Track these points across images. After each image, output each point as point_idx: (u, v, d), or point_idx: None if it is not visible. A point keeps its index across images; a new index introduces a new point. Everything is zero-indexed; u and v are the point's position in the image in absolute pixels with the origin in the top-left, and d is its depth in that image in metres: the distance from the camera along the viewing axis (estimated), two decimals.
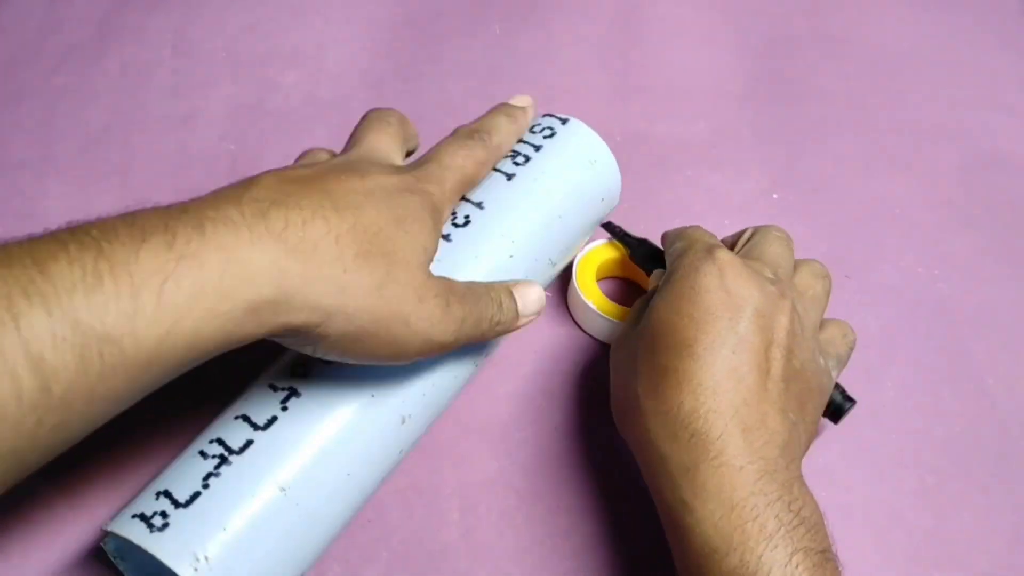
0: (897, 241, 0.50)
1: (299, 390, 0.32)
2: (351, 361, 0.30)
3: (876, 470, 0.41)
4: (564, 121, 0.41)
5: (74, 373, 0.22)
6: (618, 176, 0.41)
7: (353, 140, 0.35)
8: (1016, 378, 0.44)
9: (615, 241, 0.44)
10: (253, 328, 0.26)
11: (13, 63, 0.54)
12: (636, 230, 0.49)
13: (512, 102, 0.40)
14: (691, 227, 0.39)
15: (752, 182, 0.52)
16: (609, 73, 0.57)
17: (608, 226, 0.44)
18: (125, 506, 0.31)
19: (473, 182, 0.36)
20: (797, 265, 0.38)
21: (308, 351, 0.29)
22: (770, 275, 0.35)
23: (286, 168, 0.30)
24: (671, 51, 0.59)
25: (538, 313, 0.35)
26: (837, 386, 0.37)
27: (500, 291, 0.34)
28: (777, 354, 0.33)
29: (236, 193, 0.27)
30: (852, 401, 0.38)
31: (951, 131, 0.56)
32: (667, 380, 0.33)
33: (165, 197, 0.49)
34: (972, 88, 0.58)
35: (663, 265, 0.38)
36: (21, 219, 0.47)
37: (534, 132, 0.40)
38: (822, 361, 0.35)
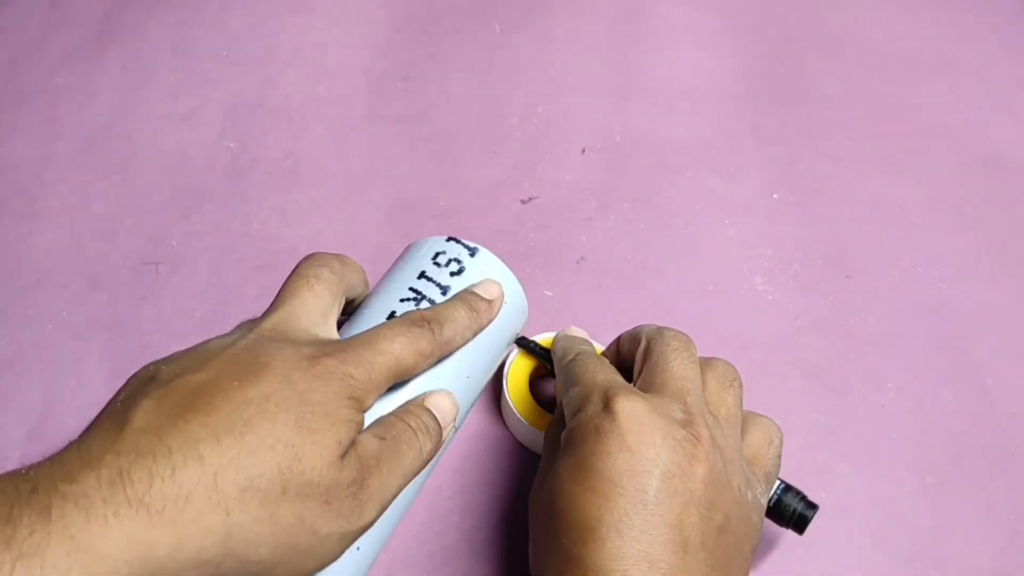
0: (897, 241, 0.50)
1: None
2: None
3: (876, 470, 0.41)
4: (472, 252, 0.37)
5: None
6: (525, 299, 0.38)
7: (278, 299, 0.32)
8: (1016, 378, 0.44)
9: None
10: None
11: (14, 63, 0.54)
12: (636, 230, 0.49)
13: (479, 291, 0.36)
14: (581, 358, 0.35)
15: (752, 182, 0.52)
16: (609, 73, 0.57)
17: (520, 341, 0.40)
18: None
19: (408, 374, 0.32)
20: (703, 375, 0.33)
21: None
22: (679, 412, 0.31)
23: (173, 380, 0.27)
24: (671, 51, 0.59)
25: (454, 420, 0.33)
26: (797, 493, 0.34)
27: (415, 418, 0.31)
28: (695, 517, 0.29)
29: (100, 448, 0.24)
30: (815, 508, 0.34)
31: (951, 131, 0.56)
32: (572, 570, 0.28)
33: (165, 196, 0.49)
34: (972, 88, 0.58)
35: None
36: (21, 219, 0.47)
37: (439, 265, 0.36)
38: (749, 494, 0.31)
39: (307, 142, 0.52)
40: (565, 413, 0.33)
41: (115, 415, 0.26)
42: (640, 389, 0.32)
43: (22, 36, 0.56)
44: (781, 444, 0.34)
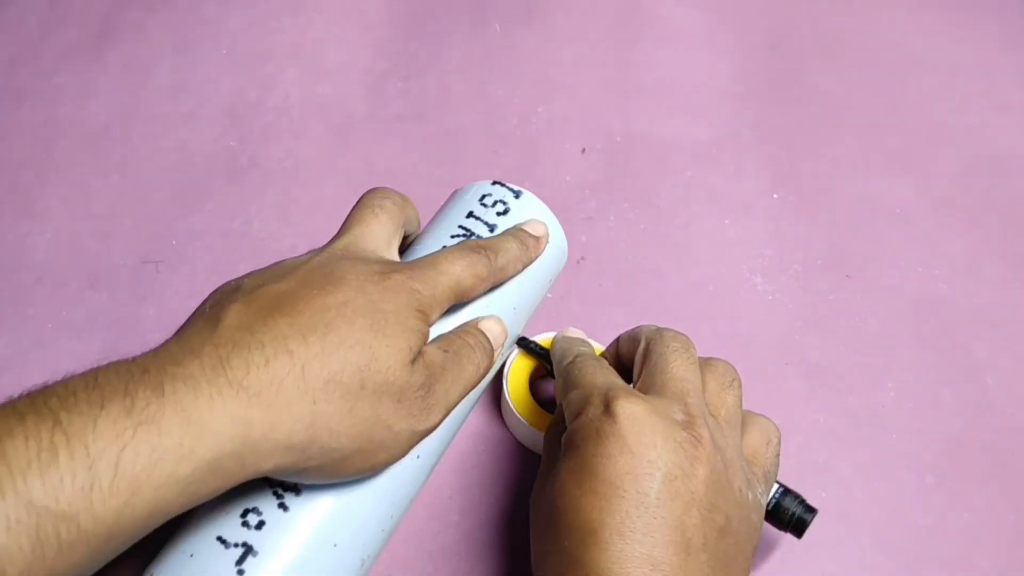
0: (897, 241, 0.50)
1: (255, 547, 0.29)
2: (341, 480, 0.30)
3: (876, 470, 0.41)
4: (517, 194, 0.39)
5: (29, 555, 0.22)
6: (565, 240, 0.40)
7: (345, 226, 0.35)
8: (1016, 378, 0.44)
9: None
10: (219, 483, 0.26)
11: (14, 62, 0.54)
12: (636, 230, 0.49)
13: (527, 228, 0.39)
14: (580, 360, 0.35)
15: (752, 182, 0.52)
16: (609, 73, 0.57)
17: (521, 342, 0.40)
18: None
19: (467, 296, 0.34)
20: (703, 375, 0.33)
21: (294, 480, 0.30)
22: (679, 414, 0.31)
23: (257, 289, 0.30)
24: (671, 51, 0.59)
25: (502, 345, 0.36)
26: (796, 496, 0.34)
27: (473, 337, 0.34)
28: (696, 518, 0.29)
29: (198, 341, 0.27)
30: (813, 511, 0.34)
31: (951, 131, 0.56)
32: (574, 573, 0.28)
33: (165, 195, 0.49)
34: (972, 88, 0.58)
35: None
36: (21, 218, 0.47)
37: (486, 206, 0.39)
38: (750, 495, 0.31)
39: (307, 141, 0.52)
40: (565, 416, 0.33)
41: (207, 317, 0.28)
42: (640, 390, 0.32)
43: (22, 35, 0.56)
44: (779, 443, 0.34)
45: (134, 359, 0.26)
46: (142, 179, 0.49)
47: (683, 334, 0.35)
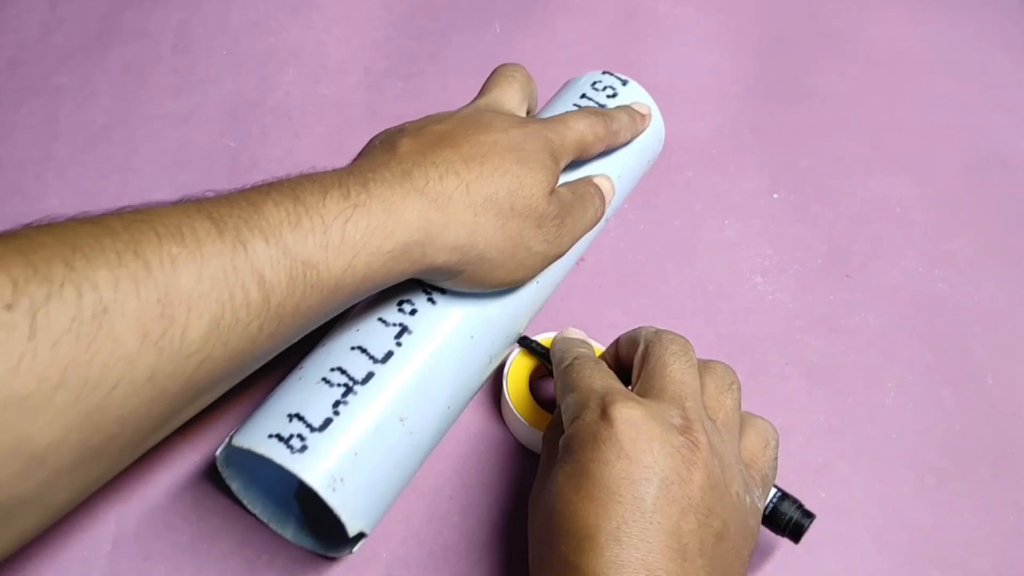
0: (897, 241, 0.50)
1: (409, 327, 0.36)
2: (481, 290, 0.37)
3: (876, 470, 0.41)
4: (624, 82, 0.46)
5: (285, 289, 0.28)
6: (663, 126, 0.47)
7: (483, 90, 0.41)
8: (1016, 378, 0.44)
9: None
10: (406, 266, 0.32)
11: (14, 62, 0.54)
12: (636, 230, 0.49)
13: (635, 107, 0.45)
14: (578, 363, 0.35)
15: (752, 182, 0.52)
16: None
17: (522, 341, 0.41)
18: (248, 423, 0.34)
19: (588, 152, 0.41)
20: (702, 378, 0.34)
21: (447, 284, 0.36)
22: (677, 418, 0.31)
23: (421, 128, 0.36)
24: (671, 51, 0.59)
25: (611, 201, 0.43)
26: (793, 501, 0.34)
27: (592, 187, 0.41)
28: (693, 524, 0.29)
29: (384, 159, 0.34)
30: (811, 516, 0.34)
31: (951, 131, 0.56)
32: None
33: (166, 195, 0.49)
34: (972, 88, 0.58)
35: None
36: (22, 219, 0.47)
37: (596, 90, 0.45)
38: (747, 499, 0.32)
39: (307, 141, 0.52)
40: (563, 419, 0.33)
41: (383, 147, 0.35)
42: (638, 394, 0.32)
43: (23, 35, 0.56)
44: (777, 446, 0.34)
45: (336, 169, 0.33)
46: (143, 179, 0.49)
47: (682, 337, 0.35)
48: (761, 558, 0.38)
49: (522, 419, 0.39)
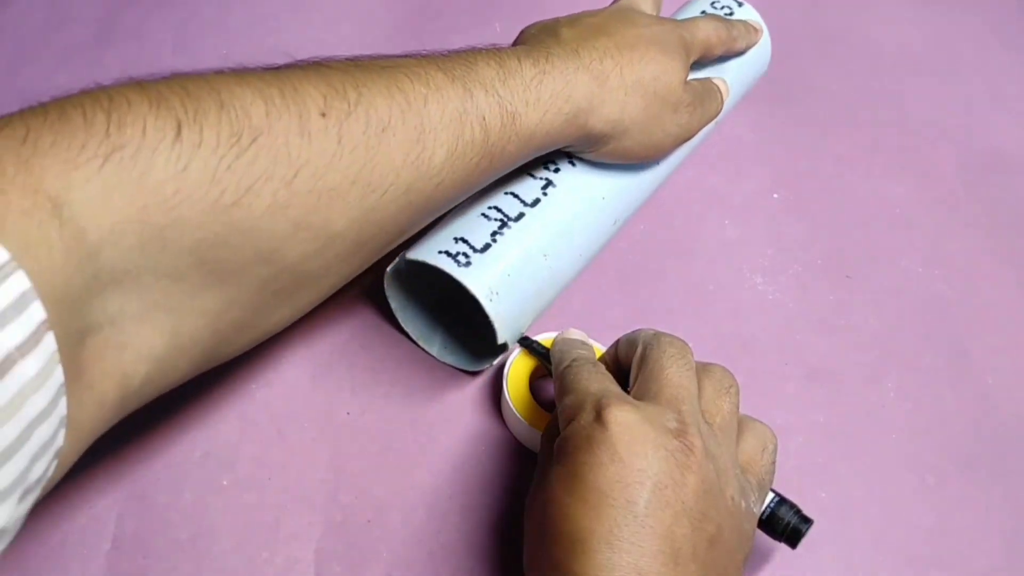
0: (897, 241, 0.50)
1: (553, 181, 0.42)
2: (620, 161, 0.43)
3: (876, 470, 0.41)
4: (740, 3, 0.51)
5: (499, 130, 0.34)
6: (770, 48, 0.52)
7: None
8: (1016, 378, 0.44)
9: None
10: (573, 130, 0.38)
11: (15, 63, 0.54)
12: (636, 230, 0.49)
13: (750, 23, 0.50)
14: (575, 366, 0.35)
15: (752, 182, 0.52)
16: None
17: (522, 341, 0.41)
18: (419, 244, 0.40)
19: (711, 52, 0.46)
20: (700, 381, 0.34)
21: (590, 156, 0.42)
22: (673, 422, 0.31)
23: (576, 20, 0.41)
24: None
25: (727, 100, 0.48)
26: (791, 506, 0.34)
27: (714, 84, 0.47)
28: (686, 528, 0.29)
29: (550, 41, 0.39)
30: (809, 522, 0.34)
31: (951, 131, 0.56)
32: None
33: None
34: (972, 88, 0.58)
35: None
36: None
37: (715, 8, 0.50)
38: (743, 504, 0.31)
39: None
40: (559, 421, 0.33)
41: (544, 33, 0.41)
42: (635, 396, 0.32)
43: (23, 36, 0.56)
44: (775, 450, 0.34)
45: (514, 48, 0.38)
46: None
47: (680, 339, 0.35)
48: (760, 558, 0.38)
49: (522, 419, 0.39)
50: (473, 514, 0.38)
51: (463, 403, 0.42)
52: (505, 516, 0.38)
